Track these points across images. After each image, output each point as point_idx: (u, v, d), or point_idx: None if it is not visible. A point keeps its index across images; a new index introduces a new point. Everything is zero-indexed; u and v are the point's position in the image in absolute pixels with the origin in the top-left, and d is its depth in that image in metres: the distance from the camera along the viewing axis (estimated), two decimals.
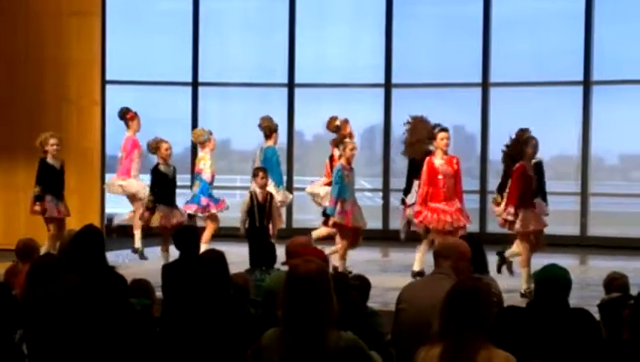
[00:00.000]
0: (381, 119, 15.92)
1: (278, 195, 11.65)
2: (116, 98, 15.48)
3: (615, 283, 7.12)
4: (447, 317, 4.43)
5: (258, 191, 11.02)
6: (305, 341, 4.50)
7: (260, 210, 10.94)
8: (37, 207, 11.39)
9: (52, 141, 11.61)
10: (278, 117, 15.13)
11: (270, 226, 11.06)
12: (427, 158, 10.81)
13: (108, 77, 15.27)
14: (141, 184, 12.50)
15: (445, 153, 10.73)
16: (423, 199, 10.72)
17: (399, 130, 16.20)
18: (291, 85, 16.22)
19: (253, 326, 5.50)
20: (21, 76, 14.24)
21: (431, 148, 10.95)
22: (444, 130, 10.82)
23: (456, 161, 10.79)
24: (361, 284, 7.11)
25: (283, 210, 12.45)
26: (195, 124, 16.19)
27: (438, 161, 10.72)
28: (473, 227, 13.25)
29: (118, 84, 15.81)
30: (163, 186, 11.46)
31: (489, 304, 4.50)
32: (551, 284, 5.49)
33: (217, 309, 5.64)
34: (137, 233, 12.30)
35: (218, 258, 5.98)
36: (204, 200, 11.97)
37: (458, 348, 4.34)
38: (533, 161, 10.47)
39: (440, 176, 10.69)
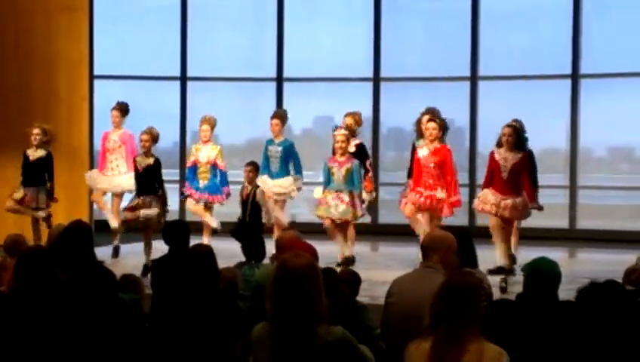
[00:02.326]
0: (370, 113, 15.91)
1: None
2: (105, 93, 15.46)
3: (634, 275, 6.92)
4: (438, 312, 4.43)
5: (245, 185, 11.01)
6: (294, 335, 4.49)
7: (243, 204, 10.92)
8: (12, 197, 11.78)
9: (34, 131, 11.79)
10: (267, 111, 15.12)
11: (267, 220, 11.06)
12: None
13: (96, 72, 15.24)
14: (98, 179, 12.53)
15: (431, 142, 10.76)
16: (410, 187, 10.86)
17: (388, 123, 16.33)
18: (280, 79, 16.19)
19: (242, 320, 5.50)
20: (10, 72, 14.20)
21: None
22: (431, 120, 10.86)
23: (444, 152, 10.79)
24: (351, 279, 7.12)
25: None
26: (183, 119, 16.20)
27: (421, 151, 10.80)
28: (462, 220, 13.27)
29: (106, 79, 15.77)
30: (135, 177, 11.39)
31: (479, 298, 4.50)
32: (540, 277, 5.50)
33: (206, 304, 5.63)
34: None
35: (206, 252, 5.97)
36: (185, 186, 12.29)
37: (448, 342, 4.35)
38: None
39: (422, 167, 10.76)
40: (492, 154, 10.36)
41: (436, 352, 4.36)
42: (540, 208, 11.09)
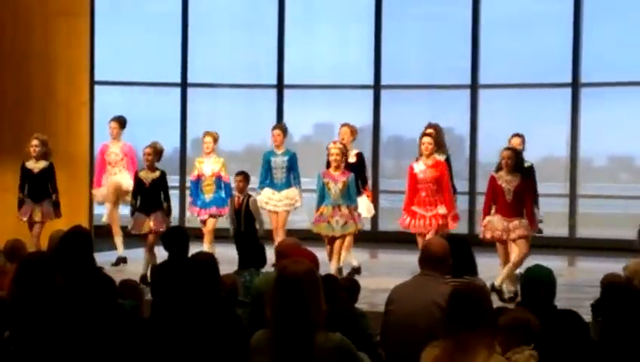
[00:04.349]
0: (370, 120, 15.93)
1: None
2: (105, 99, 15.46)
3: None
4: (448, 320, 4.46)
5: (236, 195, 10.97)
6: (294, 342, 4.49)
7: (236, 214, 10.87)
8: (18, 213, 11.60)
9: (33, 142, 11.60)
10: (267, 118, 15.14)
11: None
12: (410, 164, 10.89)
13: (97, 78, 15.23)
14: (103, 191, 12.53)
15: (427, 157, 10.68)
16: (406, 204, 10.79)
17: (388, 131, 16.33)
18: (280, 86, 16.21)
19: (242, 327, 5.49)
20: (8, 77, 14.17)
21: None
22: (425, 134, 10.81)
23: (441, 167, 10.72)
24: (350, 286, 7.12)
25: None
26: (184, 125, 16.20)
27: (418, 166, 10.72)
28: (462, 228, 13.26)
29: (106, 85, 15.77)
30: (139, 192, 11.27)
31: (490, 309, 4.49)
32: (535, 284, 5.51)
33: (206, 311, 5.62)
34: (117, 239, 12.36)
35: (209, 261, 5.92)
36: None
37: (457, 350, 4.34)
38: (526, 165, 10.66)
39: (419, 183, 10.68)
40: (492, 178, 10.25)
41: (444, 358, 4.37)
42: (540, 231, 11.12)
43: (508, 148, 10.34)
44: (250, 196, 10.98)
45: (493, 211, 10.22)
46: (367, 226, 15.17)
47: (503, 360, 4.38)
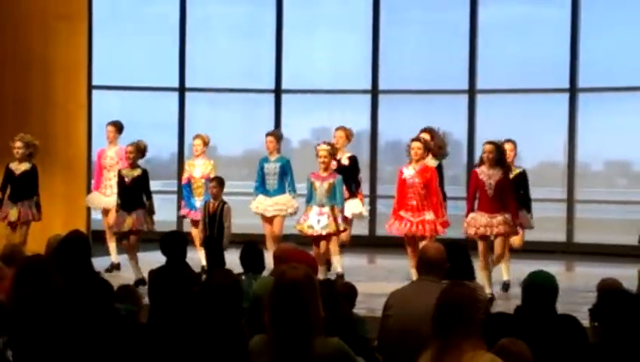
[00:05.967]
0: (368, 125, 15.93)
1: None
2: (103, 103, 15.45)
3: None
4: (435, 323, 4.44)
5: (211, 201, 10.95)
6: (291, 347, 4.49)
7: (209, 219, 10.85)
8: None
9: (16, 144, 11.57)
10: (265, 123, 15.14)
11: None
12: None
13: (94, 82, 15.21)
14: (97, 201, 12.52)
15: (417, 162, 10.66)
16: (394, 209, 10.78)
17: (386, 136, 16.34)
18: (278, 91, 16.20)
19: (242, 333, 5.48)
20: (7, 80, 14.16)
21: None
22: (415, 139, 10.80)
23: (430, 173, 10.70)
24: (348, 291, 7.12)
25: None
26: (182, 130, 16.18)
27: (407, 171, 10.71)
28: (458, 233, 13.27)
29: (104, 89, 15.76)
30: (120, 190, 11.31)
31: (474, 309, 4.48)
32: (538, 290, 5.50)
33: (204, 316, 5.61)
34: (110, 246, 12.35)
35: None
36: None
37: (444, 353, 4.35)
38: (518, 171, 10.79)
39: (408, 188, 10.65)
40: (474, 172, 10.32)
41: (434, 360, 4.37)
42: (523, 226, 11.07)
43: (489, 142, 10.30)
44: (225, 203, 10.95)
45: (476, 207, 10.24)
46: (365, 231, 15.28)
47: (489, 356, 4.38)
